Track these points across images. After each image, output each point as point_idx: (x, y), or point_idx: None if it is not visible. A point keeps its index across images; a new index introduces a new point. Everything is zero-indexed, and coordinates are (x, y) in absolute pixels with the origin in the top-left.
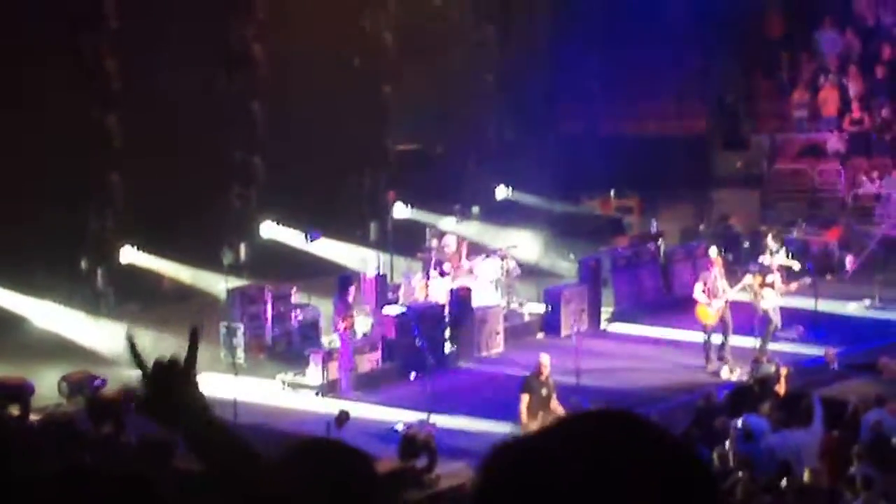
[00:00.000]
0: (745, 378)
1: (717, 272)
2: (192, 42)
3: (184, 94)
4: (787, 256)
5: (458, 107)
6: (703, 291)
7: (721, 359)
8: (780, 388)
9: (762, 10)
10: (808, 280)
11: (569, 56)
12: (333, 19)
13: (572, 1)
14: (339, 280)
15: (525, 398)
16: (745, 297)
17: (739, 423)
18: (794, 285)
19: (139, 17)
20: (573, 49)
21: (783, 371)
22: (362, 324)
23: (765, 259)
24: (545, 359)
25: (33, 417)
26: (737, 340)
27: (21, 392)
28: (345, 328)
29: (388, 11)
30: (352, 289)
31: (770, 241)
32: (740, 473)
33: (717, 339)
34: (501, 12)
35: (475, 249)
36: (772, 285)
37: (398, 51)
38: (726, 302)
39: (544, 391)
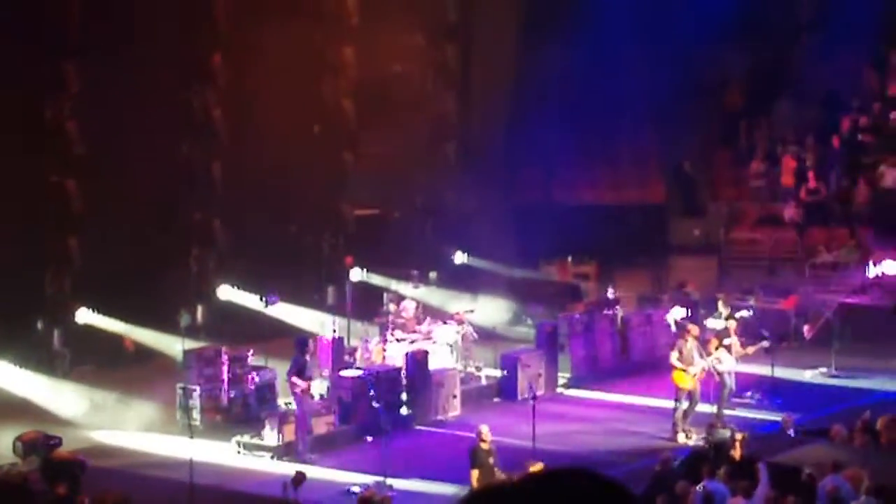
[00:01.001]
0: (700, 443)
1: (692, 341)
2: (153, 107)
3: (144, 159)
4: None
5: (417, 173)
6: (679, 359)
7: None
8: (736, 454)
9: (724, 82)
10: (765, 344)
11: (528, 125)
12: (293, 86)
13: (532, 71)
14: (297, 342)
15: (475, 473)
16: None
17: (699, 488)
18: (750, 349)
19: (100, 83)
20: (532, 118)
21: (738, 436)
22: (319, 386)
23: (714, 323)
24: (485, 428)
25: None
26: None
27: None
28: (301, 390)
29: (348, 78)
30: (308, 350)
31: (720, 306)
32: None
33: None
34: (462, 80)
35: (432, 314)
36: (728, 348)
37: (358, 117)
38: (703, 370)
39: (490, 460)
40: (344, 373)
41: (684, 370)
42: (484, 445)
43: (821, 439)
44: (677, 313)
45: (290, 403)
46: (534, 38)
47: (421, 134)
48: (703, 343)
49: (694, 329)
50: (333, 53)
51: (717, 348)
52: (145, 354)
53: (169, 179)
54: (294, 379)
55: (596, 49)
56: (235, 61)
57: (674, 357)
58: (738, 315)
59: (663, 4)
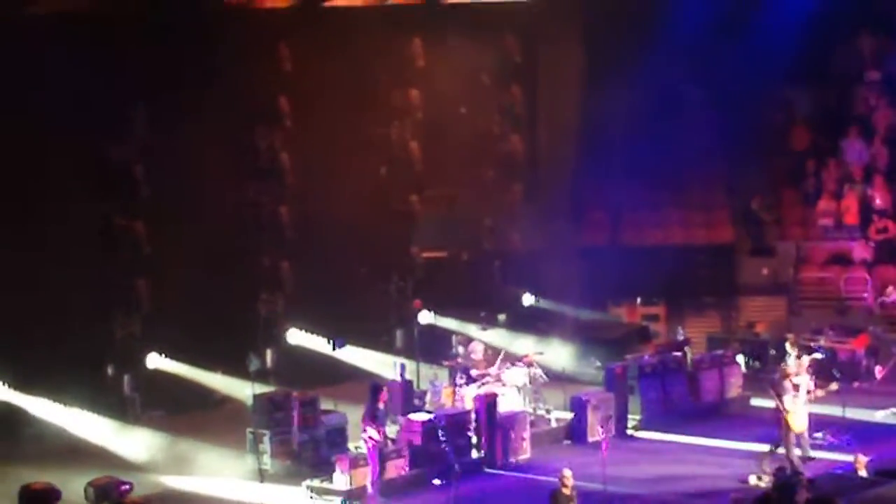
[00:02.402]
0: (769, 485)
1: (807, 378)
2: (220, 150)
3: (211, 202)
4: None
5: (485, 215)
6: (794, 399)
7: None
8: (802, 498)
9: (790, 121)
10: (834, 387)
11: (594, 165)
12: (360, 128)
13: (597, 112)
14: (371, 388)
15: None
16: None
17: None
18: (820, 391)
19: (166, 127)
20: (599, 159)
21: (805, 481)
22: (389, 430)
23: (788, 366)
24: (568, 473)
25: None
26: (762, 447)
27: (48, 498)
28: (374, 437)
29: (415, 120)
30: (383, 396)
31: (789, 347)
32: None
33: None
34: (528, 122)
35: (502, 356)
36: (797, 388)
37: (424, 159)
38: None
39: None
40: (413, 416)
41: (795, 414)
42: (566, 490)
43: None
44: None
45: (359, 447)
46: (598, 79)
47: (487, 176)
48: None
49: (792, 368)
50: (400, 96)
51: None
52: (216, 399)
53: (237, 223)
54: (367, 426)
55: (659, 91)
56: (301, 103)
57: (788, 401)
58: (811, 357)
59: (725, 46)
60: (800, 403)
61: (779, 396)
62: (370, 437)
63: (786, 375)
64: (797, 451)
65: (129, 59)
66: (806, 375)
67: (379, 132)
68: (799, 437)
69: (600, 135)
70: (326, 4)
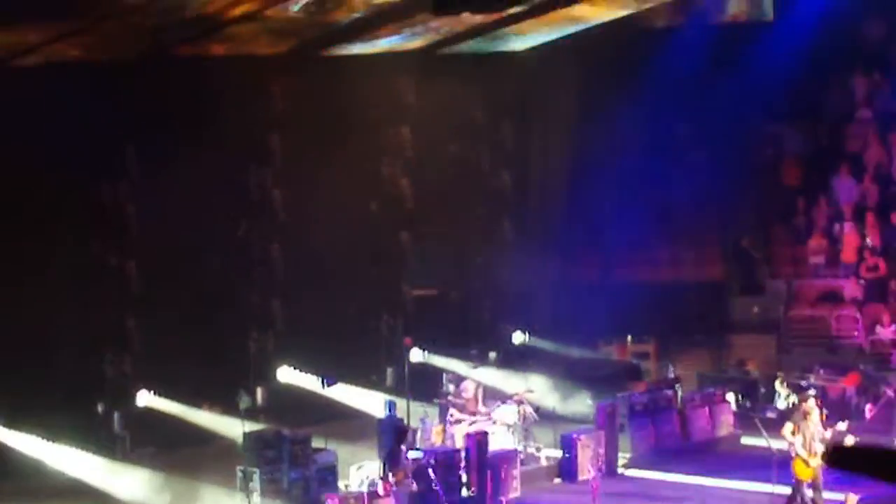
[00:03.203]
0: None
1: (814, 422)
2: (210, 188)
3: (201, 239)
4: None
5: (475, 252)
6: (803, 445)
7: None
8: None
9: (780, 159)
10: (844, 426)
11: (585, 204)
12: (351, 165)
13: (587, 149)
14: (395, 430)
15: None
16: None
17: None
18: (829, 431)
19: (156, 165)
20: (590, 197)
21: None
22: (379, 468)
23: (779, 404)
24: None
25: None
26: (752, 486)
27: None
28: (396, 481)
29: (406, 158)
30: (405, 439)
31: (778, 387)
32: None
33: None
34: (518, 159)
35: (492, 395)
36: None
37: (415, 196)
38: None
39: None
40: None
41: (806, 461)
42: None
43: None
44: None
45: (348, 486)
46: (589, 116)
47: (478, 213)
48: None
49: (809, 407)
50: (390, 133)
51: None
52: (205, 437)
53: (227, 260)
54: (390, 469)
55: (650, 128)
56: (292, 142)
57: (798, 445)
58: (809, 394)
59: (716, 83)
60: (812, 448)
61: (797, 435)
62: (391, 480)
63: (802, 413)
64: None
65: (118, 97)
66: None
67: (369, 169)
68: (812, 483)
69: (591, 172)
70: (323, 53)
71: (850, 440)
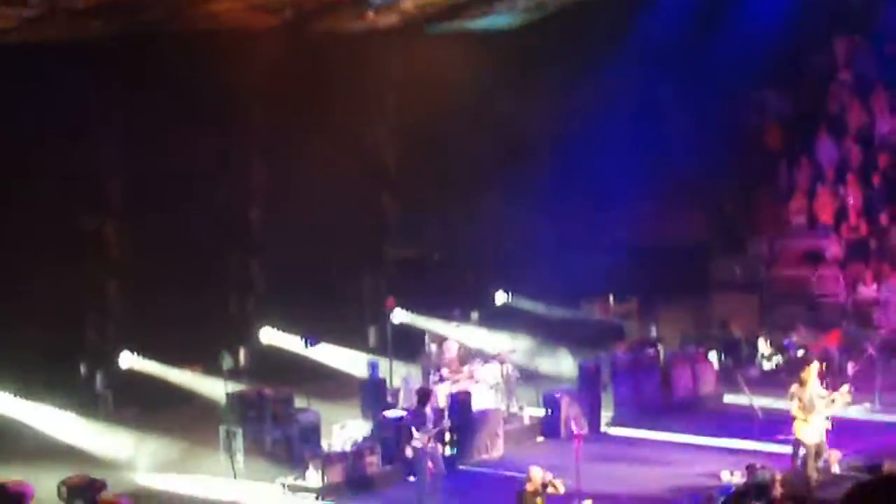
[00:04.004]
0: (742, 481)
1: (812, 384)
2: (192, 149)
3: (182, 202)
4: (781, 361)
5: (458, 215)
6: (800, 407)
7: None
8: (777, 493)
9: (761, 122)
10: (846, 390)
11: (569, 167)
12: (333, 128)
13: (575, 114)
14: (418, 392)
15: None
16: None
17: None
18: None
19: (136, 134)
20: (574, 160)
21: (777, 476)
22: (362, 428)
23: (763, 364)
24: (535, 471)
25: None
26: (735, 443)
27: (21, 497)
28: (427, 439)
29: (389, 122)
30: (430, 401)
31: (762, 345)
32: None
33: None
34: (507, 125)
35: (474, 354)
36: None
37: (398, 159)
38: (827, 418)
39: (538, 501)
40: (387, 413)
41: (805, 420)
42: (530, 487)
43: (869, 476)
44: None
45: (331, 445)
46: (573, 81)
47: (462, 176)
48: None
49: (811, 371)
50: (375, 102)
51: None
52: (187, 397)
53: (208, 223)
54: (416, 432)
55: (633, 92)
56: (275, 107)
57: (794, 408)
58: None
59: (698, 47)
60: (815, 413)
61: (790, 398)
62: (418, 446)
63: (803, 376)
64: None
65: (100, 73)
66: (816, 381)
67: (353, 135)
68: (817, 449)
69: (577, 137)
70: (313, 28)
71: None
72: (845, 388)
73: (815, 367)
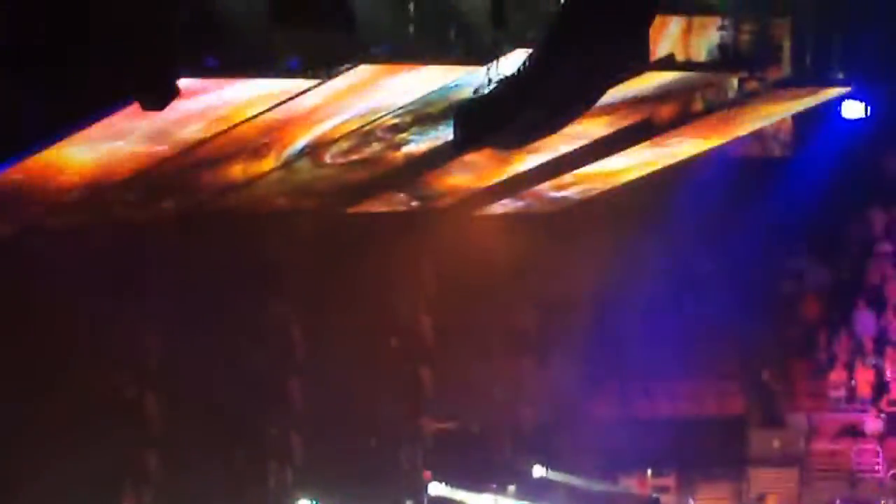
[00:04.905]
0: None
1: None
2: (228, 320)
3: (219, 372)
4: None
5: (495, 387)
6: None
7: None
8: None
9: (801, 292)
10: None
11: (605, 337)
12: (370, 298)
13: (612, 283)
14: None
15: None
16: None
17: None
18: None
19: (175, 292)
20: (610, 332)
21: None
22: None
23: None
24: None
25: None
26: None
27: None
28: None
29: (426, 292)
30: None
31: None
32: None
33: None
34: (541, 296)
35: None
36: None
37: (435, 331)
38: None
39: None
40: None
41: None
42: None
43: None
44: None
45: None
46: (617, 252)
47: (499, 349)
48: None
49: None
50: (412, 272)
51: None
52: None
53: (246, 394)
54: None
55: (671, 262)
56: (310, 272)
57: None
58: None
59: (738, 218)
60: None
61: None
62: None
63: None
64: None
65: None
66: None
67: (389, 304)
68: None
69: (614, 307)
70: (349, 211)
71: None
72: None
73: None
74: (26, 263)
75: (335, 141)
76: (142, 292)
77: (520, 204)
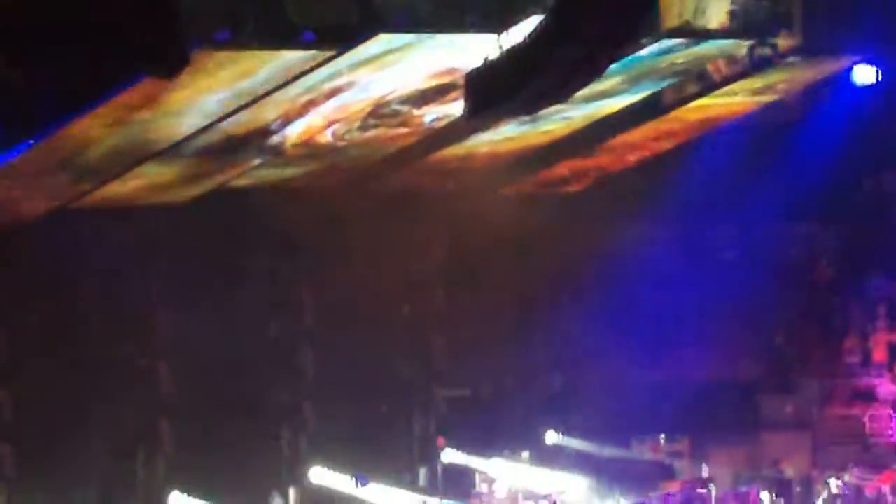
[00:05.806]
0: None
1: None
2: (241, 290)
3: (232, 342)
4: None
5: (508, 354)
6: None
7: None
8: None
9: (813, 258)
10: None
11: (618, 302)
12: (381, 266)
13: (622, 250)
14: None
15: None
16: None
17: None
18: None
19: (186, 265)
20: (622, 295)
21: None
22: None
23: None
24: None
25: None
26: None
27: None
28: None
29: (437, 259)
30: None
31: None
32: None
33: None
34: (552, 264)
35: (525, 494)
36: None
37: (446, 298)
38: None
39: None
40: None
41: None
42: None
43: None
44: None
45: None
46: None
47: (511, 314)
48: None
49: None
50: (422, 234)
51: None
52: None
53: (259, 363)
54: None
55: (682, 228)
56: (323, 240)
57: None
58: None
59: (749, 183)
60: None
61: None
62: None
63: None
64: None
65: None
66: None
67: (400, 271)
68: None
69: (625, 272)
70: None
71: None
72: None
73: None
74: (56, 242)
75: (356, 117)
76: (157, 265)
77: (538, 181)
